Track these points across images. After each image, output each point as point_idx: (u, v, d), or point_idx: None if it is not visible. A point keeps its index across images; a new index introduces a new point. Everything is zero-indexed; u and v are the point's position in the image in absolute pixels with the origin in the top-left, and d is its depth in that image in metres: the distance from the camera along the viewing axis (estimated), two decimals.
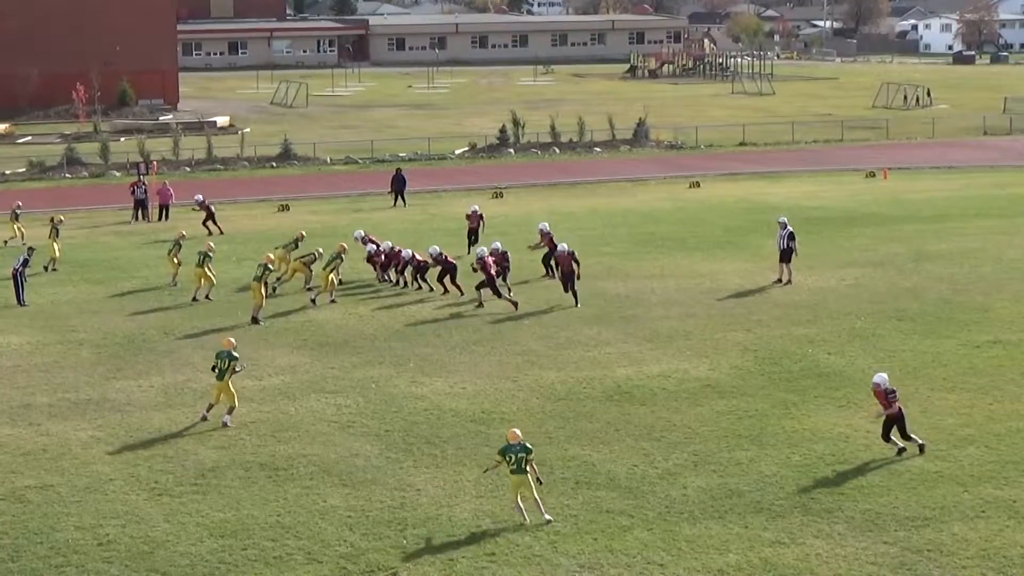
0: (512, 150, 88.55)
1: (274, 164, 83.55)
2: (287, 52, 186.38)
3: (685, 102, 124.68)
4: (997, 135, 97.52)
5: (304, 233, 49.79)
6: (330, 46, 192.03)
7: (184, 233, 49.37)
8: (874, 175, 75.58)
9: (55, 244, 50.99)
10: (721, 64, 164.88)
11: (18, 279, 44.78)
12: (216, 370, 31.97)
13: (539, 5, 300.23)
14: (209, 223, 58.22)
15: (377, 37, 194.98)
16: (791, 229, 46.12)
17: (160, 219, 62.60)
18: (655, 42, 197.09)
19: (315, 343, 39.16)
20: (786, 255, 45.95)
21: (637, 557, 24.28)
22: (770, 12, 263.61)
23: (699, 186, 72.38)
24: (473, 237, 51.74)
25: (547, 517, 25.77)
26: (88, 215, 64.79)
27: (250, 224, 61.43)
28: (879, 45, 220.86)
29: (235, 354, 32.00)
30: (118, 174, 77.71)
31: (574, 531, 25.46)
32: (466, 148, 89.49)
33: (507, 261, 45.02)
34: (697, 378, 35.32)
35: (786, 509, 26.35)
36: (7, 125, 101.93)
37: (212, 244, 46.82)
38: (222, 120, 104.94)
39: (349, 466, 28.72)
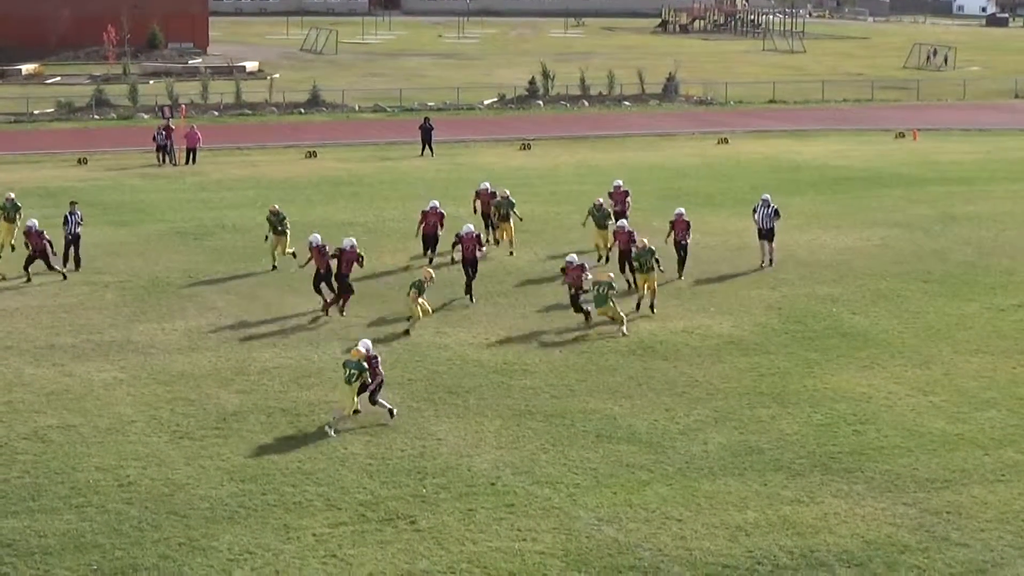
0: (541, 102, 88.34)
1: (302, 110, 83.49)
2: None
3: (716, 58, 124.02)
4: None
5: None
6: None
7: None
8: (904, 136, 75.18)
9: (12, 227, 43.11)
10: (752, 21, 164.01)
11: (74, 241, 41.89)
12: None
13: None
14: None
15: None
16: (775, 206, 43.02)
17: (187, 162, 62.68)
18: None
19: None
20: (769, 234, 42.91)
21: (656, 512, 24.31)
22: None
23: (727, 142, 72.15)
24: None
25: (333, 432, 27.70)
26: (115, 157, 64.84)
27: (278, 170, 61.40)
28: (912, 5, 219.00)
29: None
30: (146, 116, 77.79)
31: (594, 484, 25.49)
32: (495, 99, 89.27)
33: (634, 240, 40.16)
34: (720, 335, 35.28)
35: (806, 468, 26.34)
36: (37, 65, 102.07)
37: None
38: (251, 65, 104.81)
39: (371, 413, 28.73)
